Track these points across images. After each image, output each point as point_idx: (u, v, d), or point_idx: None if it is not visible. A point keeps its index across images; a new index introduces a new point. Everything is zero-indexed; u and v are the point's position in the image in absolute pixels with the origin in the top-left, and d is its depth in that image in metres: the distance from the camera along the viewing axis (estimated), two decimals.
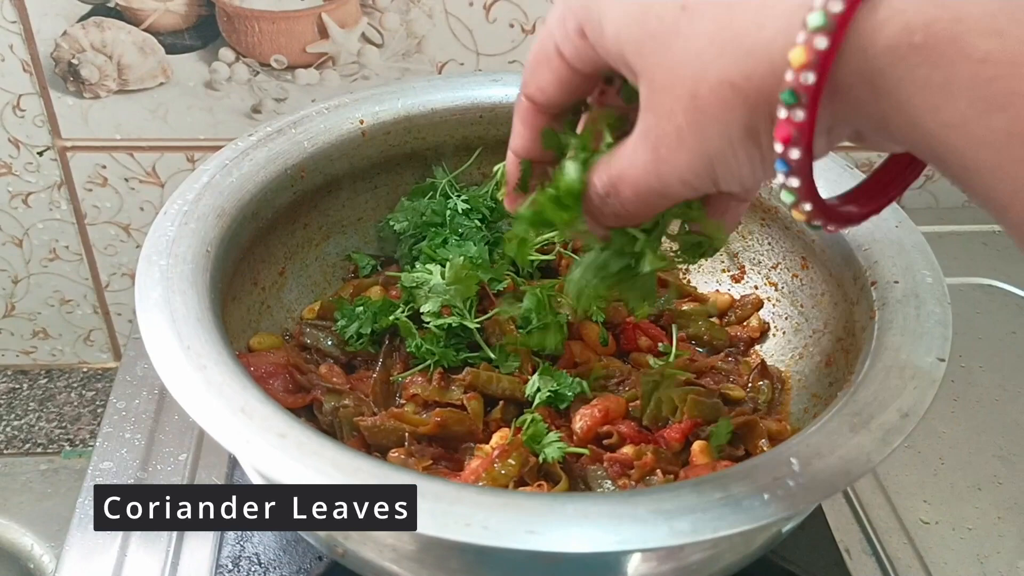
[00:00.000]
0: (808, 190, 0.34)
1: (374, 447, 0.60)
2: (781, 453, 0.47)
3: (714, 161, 0.36)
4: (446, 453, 0.60)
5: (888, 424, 0.48)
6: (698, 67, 0.34)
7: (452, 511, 0.43)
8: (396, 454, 0.58)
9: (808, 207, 0.35)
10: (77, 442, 1.07)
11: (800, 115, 0.32)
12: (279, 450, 0.45)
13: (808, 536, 0.66)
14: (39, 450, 1.06)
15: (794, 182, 0.34)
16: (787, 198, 0.35)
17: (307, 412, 0.63)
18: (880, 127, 0.33)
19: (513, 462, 0.57)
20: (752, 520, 0.42)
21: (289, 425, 0.47)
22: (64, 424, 1.09)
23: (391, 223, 0.74)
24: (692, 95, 0.34)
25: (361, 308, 0.66)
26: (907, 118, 0.31)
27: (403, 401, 0.64)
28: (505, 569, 0.49)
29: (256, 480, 0.57)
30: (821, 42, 0.30)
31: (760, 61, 0.32)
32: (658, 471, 0.57)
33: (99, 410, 1.10)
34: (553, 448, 0.58)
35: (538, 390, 0.61)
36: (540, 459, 0.58)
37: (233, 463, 0.71)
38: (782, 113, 0.32)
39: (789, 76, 0.31)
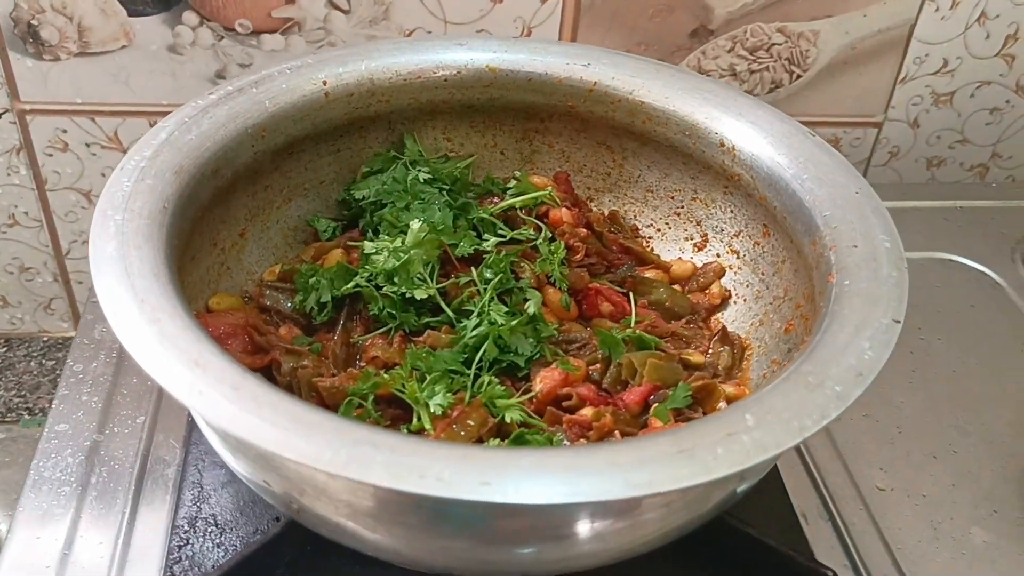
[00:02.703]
0: None
1: (333, 408, 0.60)
2: (736, 410, 0.47)
3: None
4: (404, 415, 0.60)
5: (843, 382, 0.48)
6: None
7: (406, 462, 0.42)
8: (358, 412, 0.58)
9: None
10: (36, 411, 1.06)
11: None
12: (233, 402, 0.45)
13: (765, 500, 0.66)
14: None
15: None
16: None
17: (266, 373, 0.62)
18: None
19: (472, 423, 0.57)
20: (707, 472, 0.43)
21: (243, 378, 0.46)
22: (23, 393, 1.07)
23: (352, 192, 0.73)
24: None
25: (314, 278, 0.66)
26: None
27: (363, 363, 0.64)
28: (461, 523, 0.49)
29: (213, 440, 0.56)
30: None
31: None
32: (617, 432, 0.57)
33: (59, 379, 1.08)
34: (514, 410, 0.58)
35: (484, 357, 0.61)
36: (498, 419, 0.58)
37: (191, 427, 0.70)
38: None
39: None
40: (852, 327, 0.51)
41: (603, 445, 0.47)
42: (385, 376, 0.59)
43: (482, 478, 0.42)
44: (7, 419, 1.05)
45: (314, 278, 0.65)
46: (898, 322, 0.52)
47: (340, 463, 0.42)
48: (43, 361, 1.11)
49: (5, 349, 1.11)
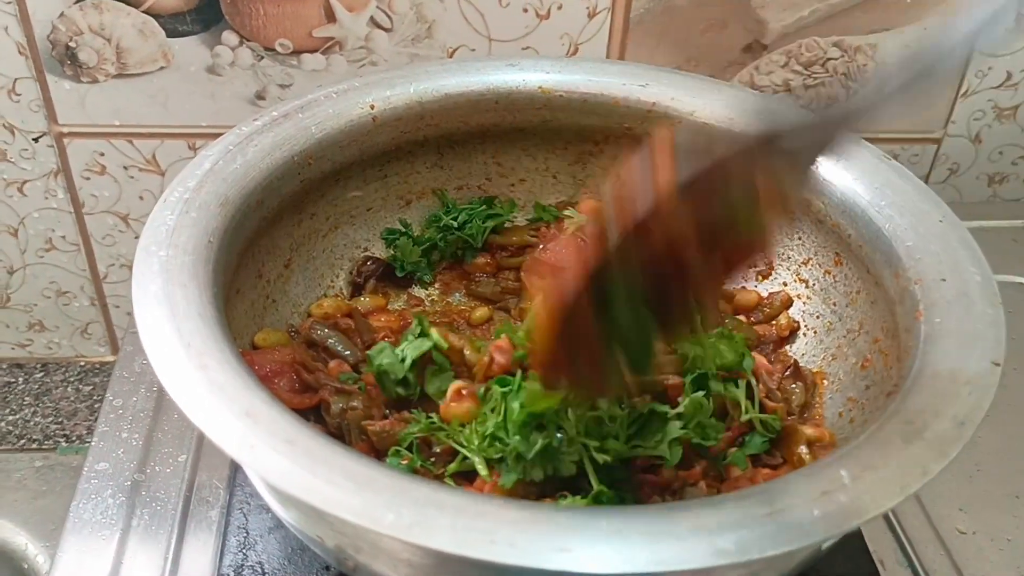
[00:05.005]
0: None
1: (383, 452, 0.57)
2: (829, 465, 0.43)
3: None
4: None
5: (943, 433, 0.45)
6: None
7: (475, 526, 0.39)
8: (405, 460, 0.55)
9: None
10: (73, 438, 1.04)
11: None
12: (287, 458, 0.42)
13: (842, 546, 0.62)
14: (34, 446, 1.03)
15: None
16: None
17: (315, 413, 0.59)
18: None
19: None
20: (802, 538, 0.39)
21: (298, 430, 0.43)
22: (60, 419, 1.06)
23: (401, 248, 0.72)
24: None
25: (388, 361, 0.59)
26: None
27: None
28: None
29: (261, 488, 0.54)
30: None
31: None
32: (701, 484, 0.53)
33: (96, 405, 1.06)
34: None
35: None
36: None
37: (236, 465, 0.67)
38: None
39: None
40: (948, 371, 0.48)
41: (686, 506, 0.43)
42: (435, 420, 0.56)
43: (558, 544, 0.39)
44: (44, 446, 1.03)
45: (388, 360, 0.59)
46: (998, 365, 0.48)
47: (403, 527, 0.39)
48: (80, 386, 1.09)
49: (42, 374, 1.10)
